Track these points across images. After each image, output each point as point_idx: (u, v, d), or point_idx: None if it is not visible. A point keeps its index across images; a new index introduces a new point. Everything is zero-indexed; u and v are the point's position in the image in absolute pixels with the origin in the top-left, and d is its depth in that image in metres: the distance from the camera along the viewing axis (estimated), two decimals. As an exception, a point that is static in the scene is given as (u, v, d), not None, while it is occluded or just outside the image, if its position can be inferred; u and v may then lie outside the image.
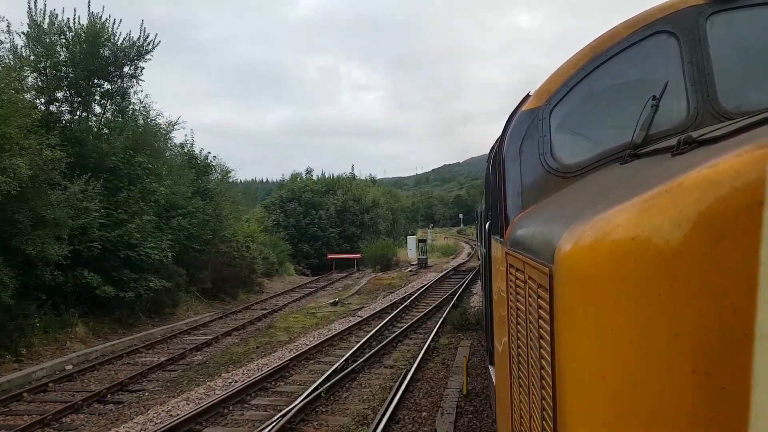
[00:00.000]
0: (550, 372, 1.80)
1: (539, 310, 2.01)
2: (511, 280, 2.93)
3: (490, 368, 5.66)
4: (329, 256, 44.70)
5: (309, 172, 62.51)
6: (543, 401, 1.99)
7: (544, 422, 1.98)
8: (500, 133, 4.10)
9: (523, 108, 3.46)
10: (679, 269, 1.23)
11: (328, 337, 15.06)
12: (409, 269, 35.62)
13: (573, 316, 1.52)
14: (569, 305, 1.55)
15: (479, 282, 19.66)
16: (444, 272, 31.38)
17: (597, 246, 1.41)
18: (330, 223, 51.51)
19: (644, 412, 1.30)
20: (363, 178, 75.82)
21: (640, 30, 3.06)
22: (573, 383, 1.53)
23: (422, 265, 36.62)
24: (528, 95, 3.64)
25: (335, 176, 64.57)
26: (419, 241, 40.35)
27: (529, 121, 3.33)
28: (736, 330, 1.18)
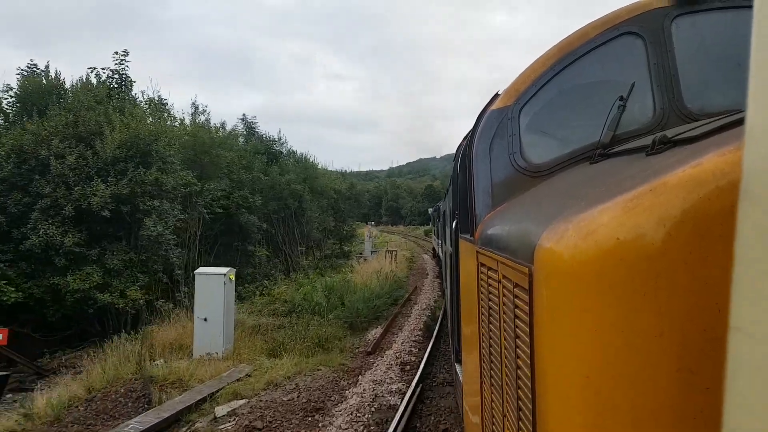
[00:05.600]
0: (528, 372, 1.79)
1: (516, 310, 2.00)
2: (482, 280, 2.92)
3: (457, 366, 5.67)
4: None
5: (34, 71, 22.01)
6: (519, 401, 1.98)
7: (520, 422, 1.97)
8: (469, 132, 4.10)
9: (493, 107, 3.46)
10: (663, 268, 1.23)
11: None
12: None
13: (555, 315, 1.51)
14: (551, 305, 1.53)
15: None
16: None
17: (580, 245, 1.39)
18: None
19: (628, 412, 1.29)
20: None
21: (608, 31, 3.11)
22: (555, 383, 1.52)
23: None
24: (497, 94, 3.65)
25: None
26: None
27: (499, 120, 3.33)
28: (720, 329, 1.18)
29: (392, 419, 7.86)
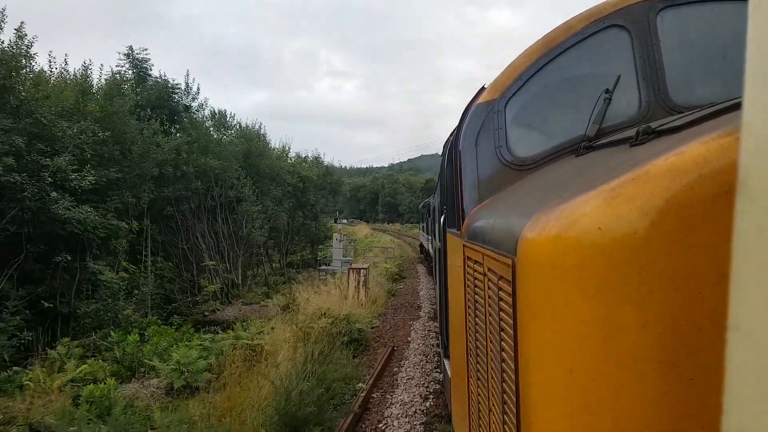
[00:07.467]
0: (512, 365, 1.78)
1: (500, 303, 1.98)
2: (468, 273, 2.90)
3: (445, 361, 5.67)
4: None
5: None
6: (504, 394, 1.97)
7: (505, 415, 1.95)
8: (456, 126, 4.08)
9: (479, 100, 3.44)
10: (646, 259, 1.21)
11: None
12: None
13: (538, 307, 1.49)
14: (533, 297, 1.51)
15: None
16: None
17: (562, 236, 1.38)
18: None
19: (611, 404, 1.28)
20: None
21: (593, 24, 3.10)
22: (538, 375, 1.50)
23: None
24: (483, 88, 3.63)
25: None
26: None
27: (485, 113, 3.32)
28: (703, 320, 1.17)
29: None
